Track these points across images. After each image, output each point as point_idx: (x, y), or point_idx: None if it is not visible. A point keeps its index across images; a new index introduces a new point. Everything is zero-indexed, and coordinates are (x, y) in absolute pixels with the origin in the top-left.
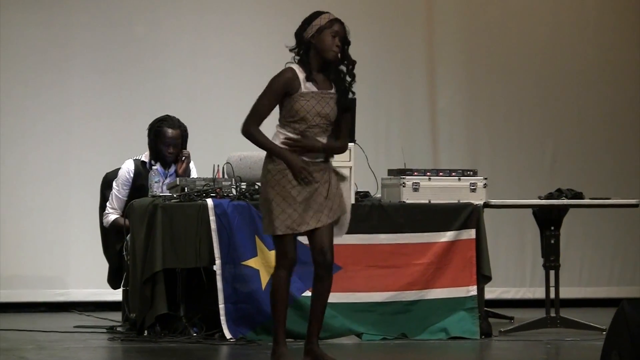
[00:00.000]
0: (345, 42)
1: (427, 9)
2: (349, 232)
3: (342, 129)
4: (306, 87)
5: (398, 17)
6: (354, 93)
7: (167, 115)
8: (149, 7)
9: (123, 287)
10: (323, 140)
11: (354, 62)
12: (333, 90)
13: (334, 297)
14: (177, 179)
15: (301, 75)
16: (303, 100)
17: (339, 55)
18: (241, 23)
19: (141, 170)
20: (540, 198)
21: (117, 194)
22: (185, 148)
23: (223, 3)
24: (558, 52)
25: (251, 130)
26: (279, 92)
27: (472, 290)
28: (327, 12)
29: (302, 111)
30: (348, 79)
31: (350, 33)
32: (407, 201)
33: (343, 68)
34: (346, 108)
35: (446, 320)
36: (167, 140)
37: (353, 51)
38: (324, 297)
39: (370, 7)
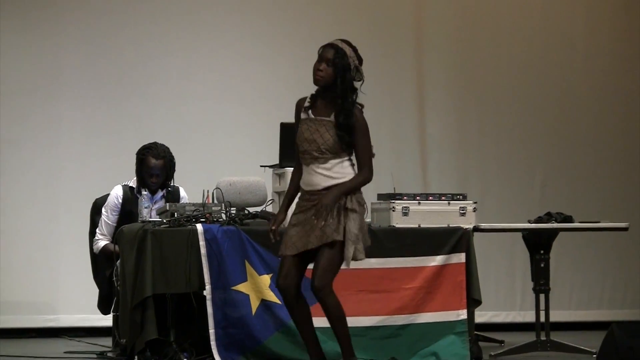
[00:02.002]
0: (335, 65)
1: (416, 34)
2: None
3: (358, 156)
4: (305, 114)
5: (387, 42)
6: (348, 115)
7: (155, 143)
8: (136, 33)
9: (113, 312)
10: (316, 167)
11: (347, 83)
12: (331, 117)
13: (324, 322)
14: (167, 204)
15: (306, 103)
16: (300, 128)
17: (322, 78)
18: (231, 45)
19: (129, 195)
20: (529, 222)
21: (106, 219)
22: (172, 177)
23: (213, 26)
24: (547, 77)
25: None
26: (296, 121)
27: (462, 314)
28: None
29: (297, 138)
30: (342, 100)
31: (347, 55)
32: (397, 225)
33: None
34: (346, 130)
35: (436, 344)
36: (150, 169)
37: None
38: (329, 318)
39: (360, 32)
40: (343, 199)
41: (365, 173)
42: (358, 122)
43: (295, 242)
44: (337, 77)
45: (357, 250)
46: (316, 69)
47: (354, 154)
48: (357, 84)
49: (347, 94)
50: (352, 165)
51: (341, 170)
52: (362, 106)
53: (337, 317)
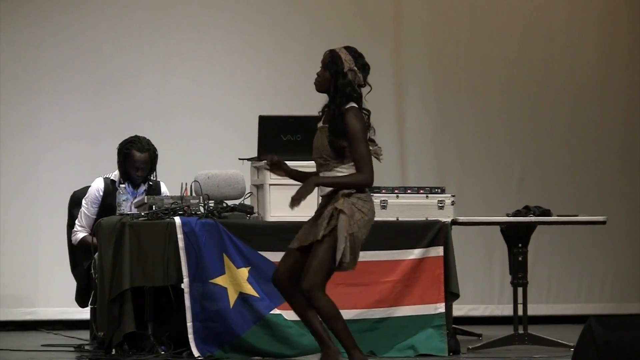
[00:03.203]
0: (329, 70)
1: (395, 28)
2: None
3: (354, 161)
4: (320, 122)
5: (366, 35)
6: (336, 120)
7: (137, 136)
8: (115, 27)
9: (91, 305)
10: (323, 174)
11: (339, 87)
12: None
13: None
14: (145, 197)
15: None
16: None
17: (317, 83)
18: (209, 42)
19: (111, 189)
20: (508, 215)
21: (86, 212)
22: (155, 170)
23: (190, 22)
24: (526, 71)
25: None
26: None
27: (440, 308)
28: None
29: None
30: (332, 104)
31: (339, 58)
32: (375, 219)
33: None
34: (337, 134)
35: (414, 337)
36: (136, 163)
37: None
38: (321, 318)
39: (338, 26)
40: (338, 203)
41: (358, 175)
42: (348, 126)
43: (299, 237)
44: (330, 82)
45: (343, 253)
46: (316, 75)
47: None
48: (364, 90)
49: (336, 98)
50: None
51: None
52: (368, 112)
53: (327, 317)
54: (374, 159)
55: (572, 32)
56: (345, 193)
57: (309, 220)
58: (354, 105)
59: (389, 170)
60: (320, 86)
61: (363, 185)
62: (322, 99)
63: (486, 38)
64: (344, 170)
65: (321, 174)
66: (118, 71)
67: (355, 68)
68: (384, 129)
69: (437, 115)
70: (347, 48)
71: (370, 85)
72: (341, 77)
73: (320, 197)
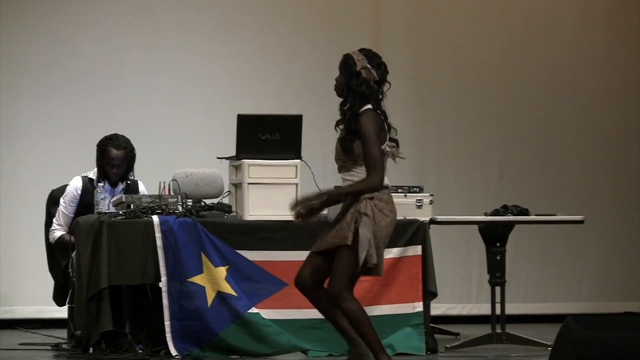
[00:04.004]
0: (343, 72)
1: (374, 25)
2: (295, 248)
3: (364, 164)
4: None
5: (345, 33)
6: (349, 122)
7: (115, 134)
8: (95, 25)
9: (68, 304)
10: (343, 176)
11: (352, 89)
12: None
13: (279, 314)
14: (123, 195)
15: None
16: None
17: (336, 87)
18: (187, 41)
19: (89, 187)
20: (486, 214)
21: (63, 210)
22: (132, 169)
23: (169, 20)
24: (505, 70)
25: None
26: None
27: (418, 307)
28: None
29: None
30: (345, 106)
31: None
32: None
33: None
34: (350, 134)
35: (392, 336)
36: (112, 160)
37: (303, 69)
38: (350, 323)
39: (317, 25)
40: (359, 205)
41: (368, 180)
42: (361, 128)
43: (321, 240)
44: (346, 85)
45: (369, 254)
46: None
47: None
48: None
49: (351, 100)
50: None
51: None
52: (384, 113)
53: (355, 321)
54: (390, 160)
55: (552, 31)
56: (367, 195)
57: (332, 223)
58: (370, 107)
59: None
60: (338, 90)
61: (372, 190)
62: (300, 97)
63: (465, 37)
64: (360, 172)
65: (341, 175)
66: (97, 70)
67: (369, 66)
68: None
69: (416, 114)
70: (361, 50)
71: (389, 83)
72: (355, 77)
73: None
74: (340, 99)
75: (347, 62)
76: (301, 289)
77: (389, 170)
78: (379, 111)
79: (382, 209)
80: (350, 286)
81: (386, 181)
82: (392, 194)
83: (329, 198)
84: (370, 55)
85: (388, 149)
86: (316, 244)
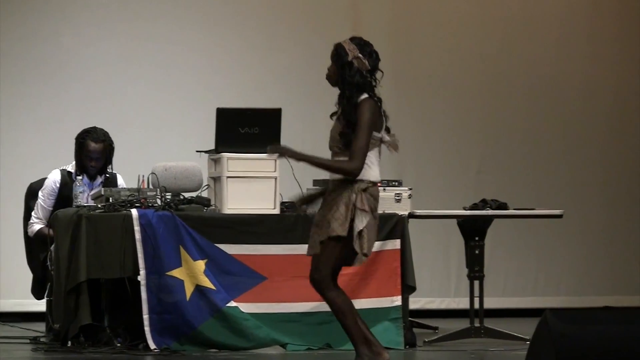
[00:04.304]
0: (335, 62)
1: (355, 16)
2: (274, 242)
3: (351, 147)
4: None
5: (326, 25)
6: (346, 111)
7: (94, 127)
8: (74, 17)
9: (47, 297)
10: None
11: (345, 78)
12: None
13: (258, 308)
14: (102, 189)
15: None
16: None
17: (328, 77)
18: (168, 32)
19: (67, 180)
20: (465, 209)
21: (42, 203)
22: (111, 162)
23: (149, 12)
24: (482, 64)
25: None
26: None
27: (397, 301)
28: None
29: None
30: (341, 96)
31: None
32: (316, 215)
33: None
34: (351, 125)
35: (371, 330)
36: (90, 153)
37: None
38: (332, 311)
39: (295, 22)
40: (353, 197)
41: (348, 162)
42: (358, 116)
43: (311, 244)
44: (338, 74)
45: (364, 246)
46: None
47: (377, 146)
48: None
49: (346, 90)
50: (377, 159)
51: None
52: (380, 100)
53: (338, 310)
54: (389, 151)
55: (532, 26)
56: (362, 188)
57: (318, 214)
58: (367, 96)
59: None
60: (331, 80)
61: (347, 173)
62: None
63: (445, 31)
64: None
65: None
66: (75, 63)
67: (360, 55)
68: None
69: (395, 108)
70: (352, 38)
71: (381, 71)
72: (347, 67)
73: (330, 182)
74: (334, 91)
75: (338, 52)
76: (315, 287)
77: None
78: (375, 99)
79: (369, 203)
80: (334, 276)
81: (378, 176)
82: None
83: (306, 158)
84: (362, 44)
85: (387, 138)
86: (312, 248)
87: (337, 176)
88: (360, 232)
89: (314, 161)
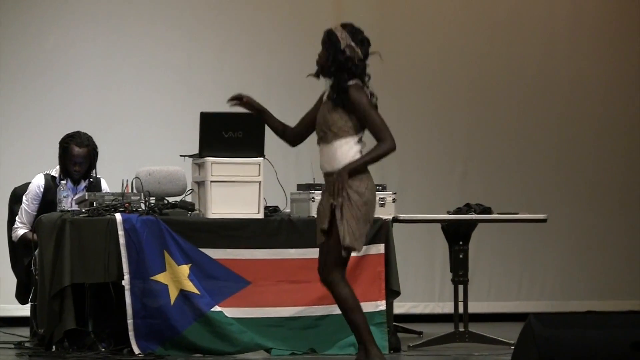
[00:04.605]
0: (327, 48)
1: (338, 20)
2: (258, 246)
3: (372, 133)
4: (325, 97)
5: (310, 30)
6: (339, 95)
7: (78, 132)
8: (58, 19)
9: (31, 302)
10: (322, 147)
11: (337, 64)
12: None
13: (242, 312)
14: (86, 193)
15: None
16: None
17: (318, 62)
18: (152, 34)
19: (51, 185)
20: (449, 213)
21: (26, 208)
22: (95, 166)
23: (133, 14)
24: (467, 67)
25: None
26: (316, 103)
27: (381, 305)
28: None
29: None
30: (332, 81)
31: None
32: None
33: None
34: (344, 108)
35: None
36: (74, 158)
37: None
38: (340, 308)
39: (280, 23)
40: (342, 190)
41: (382, 145)
42: (354, 100)
43: (317, 233)
44: (329, 60)
45: (353, 239)
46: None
47: (361, 132)
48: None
49: (338, 75)
50: (360, 144)
51: (346, 151)
52: (371, 93)
53: (348, 307)
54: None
55: (517, 26)
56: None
57: (318, 209)
58: (356, 81)
59: None
60: (321, 66)
61: (389, 152)
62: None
63: (426, 32)
64: (341, 146)
65: (320, 145)
66: (60, 67)
67: (353, 43)
68: None
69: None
70: (343, 25)
71: (380, 55)
72: (340, 54)
73: (324, 174)
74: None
75: (330, 39)
76: (325, 285)
77: None
78: (366, 88)
79: (357, 188)
80: (342, 270)
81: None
82: None
83: (355, 166)
84: (354, 32)
85: None
86: (317, 238)
87: (324, 167)
88: (341, 224)
89: (363, 163)
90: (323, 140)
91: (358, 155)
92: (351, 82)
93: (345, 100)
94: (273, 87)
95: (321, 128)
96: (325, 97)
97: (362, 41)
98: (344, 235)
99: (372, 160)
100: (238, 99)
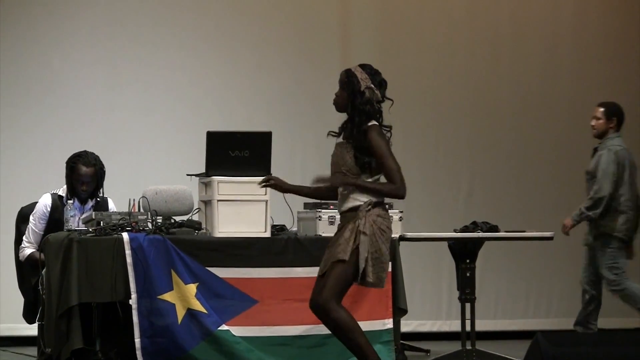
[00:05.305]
0: (345, 89)
1: (343, 38)
2: (265, 265)
3: (385, 176)
4: (338, 138)
5: (314, 51)
6: (358, 137)
7: (85, 151)
8: (64, 41)
9: (38, 321)
10: (341, 189)
11: (357, 106)
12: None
13: (250, 331)
14: (93, 213)
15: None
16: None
17: (336, 103)
18: (157, 56)
19: (58, 204)
20: (455, 231)
21: (33, 227)
22: (102, 186)
23: (138, 36)
24: (472, 84)
25: None
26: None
27: (388, 323)
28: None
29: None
30: (351, 123)
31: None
32: (323, 234)
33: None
34: (361, 151)
35: None
36: (81, 177)
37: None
38: (334, 334)
39: (284, 38)
40: (358, 222)
41: (391, 185)
42: (372, 142)
43: (322, 264)
44: (350, 101)
45: (366, 272)
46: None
47: (377, 174)
48: (383, 105)
49: (355, 117)
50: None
51: (359, 195)
52: (390, 127)
53: (346, 329)
54: None
55: (518, 43)
56: (366, 210)
57: (330, 243)
58: (375, 123)
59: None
60: (339, 106)
61: (396, 195)
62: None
63: (430, 49)
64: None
65: (340, 190)
66: (67, 87)
67: (372, 86)
68: (330, 144)
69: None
70: (363, 66)
71: (391, 100)
72: (359, 96)
73: (340, 215)
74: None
75: (350, 80)
76: (315, 312)
77: None
78: (384, 127)
79: (381, 225)
80: (340, 298)
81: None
82: None
83: (356, 183)
84: (373, 73)
85: None
86: (320, 268)
87: (341, 207)
88: (365, 260)
89: (365, 185)
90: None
91: (367, 199)
92: (370, 124)
93: (364, 141)
94: (278, 105)
95: (340, 169)
96: (340, 139)
97: (381, 83)
98: (367, 272)
99: (373, 190)
100: (266, 181)
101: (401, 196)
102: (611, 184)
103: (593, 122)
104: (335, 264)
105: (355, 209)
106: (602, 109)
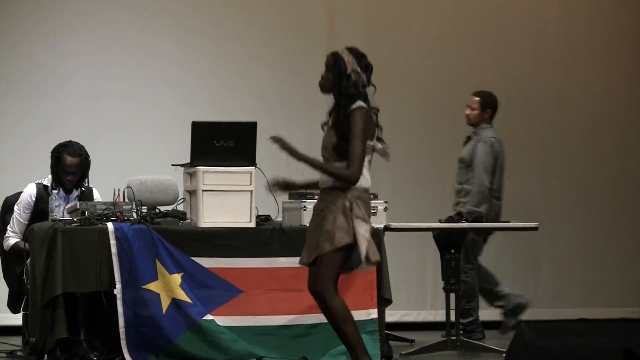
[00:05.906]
0: (332, 70)
1: (329, 33)
2: (250, 255)
3: (347, 155)
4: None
5: (301, 42)
6: (342, 120)
7: (70, 141)
8: (49, 31)
9: (23, 311)
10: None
11: (342, 89)
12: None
13: (234, 321)
14: (78, 202)
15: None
16: None
17: (321, 85)
18: (142, 45)
19: (43, 194)
20: (440, 221)
21: (18, 217)
22: (87, 176)
23: (123, 25)
24: (458, 75)
25: None
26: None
27: (373, 313)
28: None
29: None
30: (337, 106)
31: (345, 60)
32: (308, 224)
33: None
34: (343, 136)
35: None
36: (66, 167)
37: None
38: (329, 321)
39: (272, 32)
40: (348, 204)
41: (345, 170)
42: (350, 122)
43: (303, 254)
44: (334, 84)
45: (370, 251)
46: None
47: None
48: (369, 90)
49: (341, 100)
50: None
51: None
52: (377, 110)
53: (340, 319)
54: (384, 159)
55: (505, 39)
56: (355, 195)
57: (310, 226)
58: (362, 104)
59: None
60: (324, 88)
61: (346, 179)
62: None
63: (420, 43)
64: (337, 165)
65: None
66: (51, 76)
67: (358, 69)
68: (316, 134)
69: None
70: (350, 49)
71: (374, 86)
72: (345, 79)
73: (319, 192)
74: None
75: (336, 62)
76: (315, 299)
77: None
78: (372, 109)
79: (365, 200)
80: (335, 284)
81: (369, 183)
82: None
83: (304, 158)
84: (359, 56)
85: (380, 146)
86: (301, 258)
87: (321, 184)
88: (365, 238)
89: (313, 163)
90: (328, 162)
91: (368, 178)
92: (355, 105)
93: (345, 126)
94: (265, 96)
95: (326, 150)
96: (330, 122)
97: (367, 67)
98: (370, 252)
99: (326, 171)
100: (276, 185)
101: (350, 181)
102: (489, 177)
103: (467, 112)
104: (335, 250)
105: (337, 188)
106: (477, 99)
